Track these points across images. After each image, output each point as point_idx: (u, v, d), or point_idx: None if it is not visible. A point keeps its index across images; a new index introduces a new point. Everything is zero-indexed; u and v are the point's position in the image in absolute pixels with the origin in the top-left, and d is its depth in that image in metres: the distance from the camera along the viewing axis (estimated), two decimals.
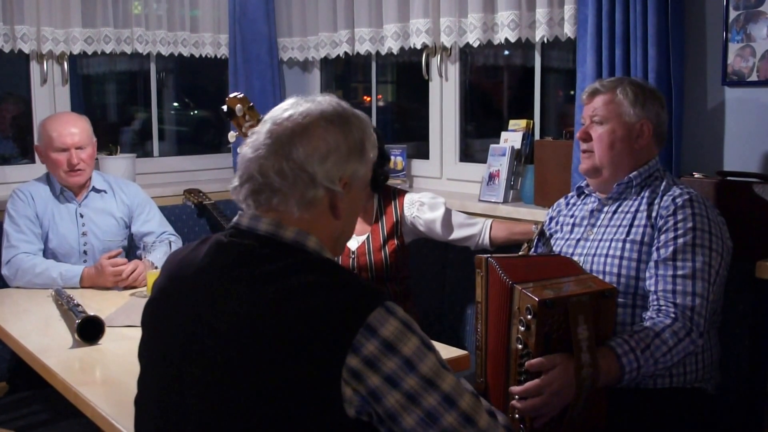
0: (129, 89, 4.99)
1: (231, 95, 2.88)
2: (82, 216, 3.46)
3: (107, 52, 4.16)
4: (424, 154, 4.23)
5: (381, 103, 4.75)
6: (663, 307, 2.20)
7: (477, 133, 4.24)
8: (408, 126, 4.88)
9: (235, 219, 1.62)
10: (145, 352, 1.67)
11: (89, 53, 4.15)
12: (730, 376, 2.49)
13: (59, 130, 3.37)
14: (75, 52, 4.10)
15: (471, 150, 4.17)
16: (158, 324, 1.63)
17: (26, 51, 3.95)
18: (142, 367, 1.67)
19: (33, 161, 4.17)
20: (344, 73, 5.02)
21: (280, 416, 1.40)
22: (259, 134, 1.59)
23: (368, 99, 4.75)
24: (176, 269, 1.65)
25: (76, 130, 3.40)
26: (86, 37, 4.10)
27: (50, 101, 4.16)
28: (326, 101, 1.62)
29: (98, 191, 3.53)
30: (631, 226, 2.38)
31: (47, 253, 3.39)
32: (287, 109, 1.60)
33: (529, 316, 1.97)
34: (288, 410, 1.40)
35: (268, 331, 1.41)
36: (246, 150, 1.60)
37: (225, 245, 1.58)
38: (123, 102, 5.01)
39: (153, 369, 1.63)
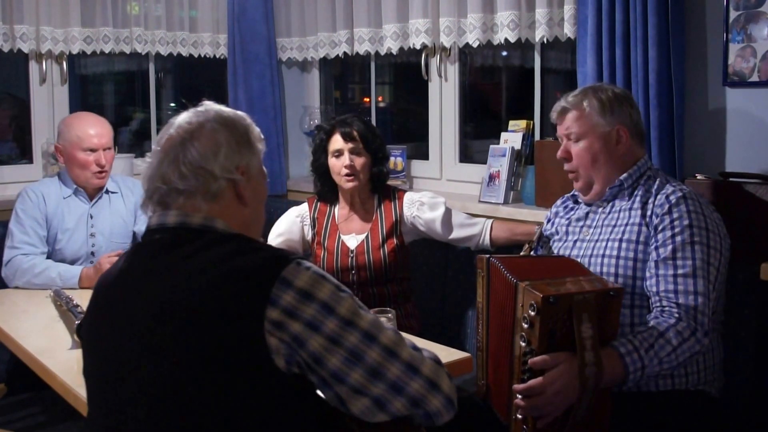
0: (127, 89, 4.98)
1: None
2: (92, 217, 3.44)
3: (106, 51, 4.16)
4: (424, 155, 4.22)
5: (381, 104, 4.73)
6: (666, 308, 2.19)
7: (476, 133, 4.23)
8: (407, 127, 4.87)
9: (146, 224, 1.69)
10: (86, 369, 1.71)
11: (88, 53, 4.14)
12: (735, 379, 2.47)
13: (87, 130, 3.36)
14: (74, 52, 4.09)
15: (470, 151, 4.16)
16: (93, 339, 1.67)
17: (25, 50, 3.94)
18: (87, 385, 1.70)
19: (31, 161, 4.17)
20: (344, 74, 5.01)
21: (216, 381, 1.46)
22: (153, 153, 1.69)
23: (367, 100, 4.75)
24: (101, 282, 1.71)
25: (104, 131, 3.40)
26: (85, 36, 4.10)
27: (49, 101, 4.16)
28: (208, 109, 1.74)
29: (110, 193, 3.52)
30: (626, 225, 2.37)
31: (55, 254, 3.37)
32: (175, 124, 1.71)
33: (532, 313, 1.97)
34: (222, 373, 1.45)
35: (192, 302, 1.48)
36: (145, 169, 1.69)
37: (140, 245, 1.69)
38: (121, 102, 5.00)
39: (96, 383, 1.65)
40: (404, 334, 1.64)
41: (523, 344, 2.02)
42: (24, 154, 4.30)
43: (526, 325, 2.01)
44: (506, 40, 3.46)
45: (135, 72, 4.72)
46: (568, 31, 3.20)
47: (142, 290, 1.56)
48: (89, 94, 5.11)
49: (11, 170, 4.13)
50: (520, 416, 2.05)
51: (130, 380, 1.52)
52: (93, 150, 3.35)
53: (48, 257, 3.36)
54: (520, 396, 2.03)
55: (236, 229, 1.66)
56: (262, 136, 1.80)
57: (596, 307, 1.97)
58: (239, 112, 1.79)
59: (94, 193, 3.47)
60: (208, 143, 1.65)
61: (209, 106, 1.76)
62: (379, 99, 4.81)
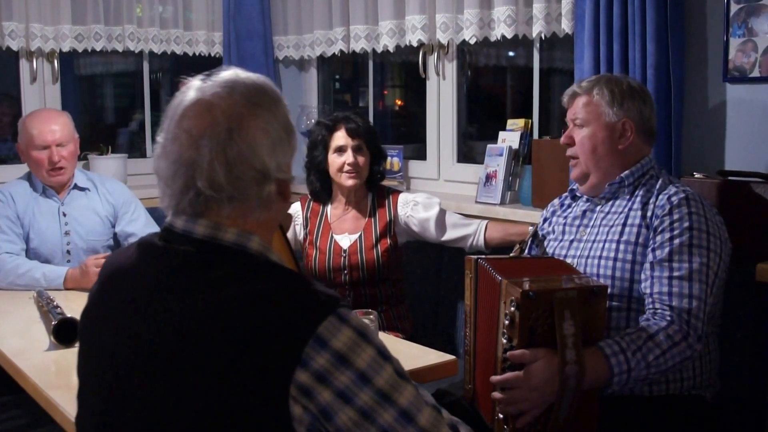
0: (127, 90, 4.94)
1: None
2: (65, 215, 3.39)
3: (98, 49, 4.10)
4: (423, 156, 4.16)
5: (391, 105, 4.68)
6: (659, 311, 2.12)
7: (479, 134, 4.17)
8: (406, 127, 4.81)
9: (168, 219, 1.47)
10: (81, 366, 1.56)
11: (79, 51, 4.09)
12: (730, 384, 2.39)
13: (39, 127, 3.30)
14: (65, 50, 4.04)
15: (474, 152, 4.09)
16: (92, 338, 1.52)
17: (14, 48, 3.90)
18: (80, 383, 1.55)
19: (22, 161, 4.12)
20: (356, 77, 4.94)
21: None
22: (176, 135, 1.40)
23: (381, 104, 4.72)
24: (110, 276, 1.53)
25: (56, 126, 3.33)
26: (76, 34, 4.05)
27: (40, 100, 4.12)
28: (236, 79, 1.45)
29: (81, 189, 3.46)
30: (624, 225, 2.30)
31: (29, 253, 3.32)
32: (200, 98, 1.41)
33: (512, 309, 1.92)
34: (233, 429, 1.29)
35: (209, 347, 1.30)
36: (167, 154, 1.41)
37: (158, 251, 1.45)
38: (120, 103, 4.96)
39: (90, 386, 1.51)
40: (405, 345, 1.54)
41: (505, 341, 1.97)
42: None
43: (507, 322, 1.96)
44: (506, 38, 3.38)
45: (134, 72, 4.67)
46: (566, 26, 3.13)
47: (154, 311, 1.37)
48: (88, 95, 5.08)
49: (3, 170, 4.08)
50: (501, 416, 2.00)
51: (131, 410, 1.37)
52: (45, 147, 3.29)
53: None
54: (498, 389, 1.98)
55: (272, 229, 1.50)
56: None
57: (579, 305, 1.92)
58: (270, 83, 1.49)
59: (61, 189, 3.42)
60: (260, 135, 1.39)
61: (235, 74, 1.45)
62: (395, 102, 4.74)
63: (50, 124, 3.32)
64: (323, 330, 1.29)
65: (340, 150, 3.13)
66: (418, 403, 1.36)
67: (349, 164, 3.11)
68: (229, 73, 1.46)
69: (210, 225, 1.41)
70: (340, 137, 3.14)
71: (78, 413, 1.57)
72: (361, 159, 3.13)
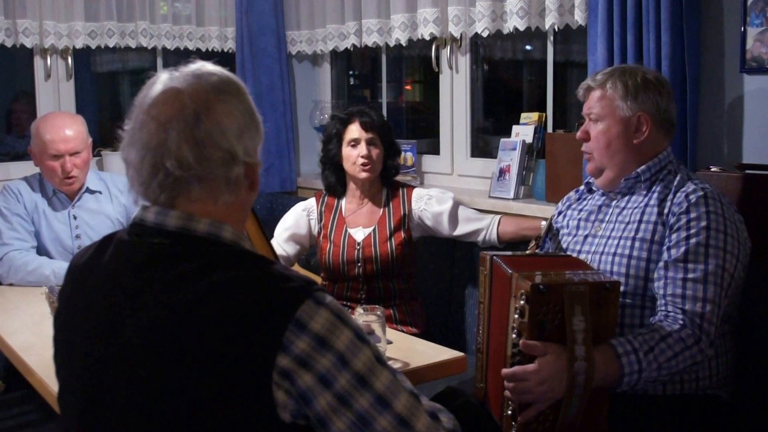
0: (142, 86, 4.93)
1: None
2: (75, 218, 3.39)
3: (111, 46, 4.09)
4: (436, 151, 4.13)
5: (390, 99, 4.65)
6: (671, 313, 2.08)
7: (495, 129, 4.13)
8: (420, 122, 4.78)
9: (137, 213, 1.46)
10: (60, 369, 1.53)
11: (92, 47, 4.08)
12: (748, 382, 2.33)
13: (52, 134, 3.27)
14: (78, 47, 4.03)
15: (489, 147, 4.05)
16: (68, 339, 1.50)
17: (28, 45, 3.89)
18: (60, 386, 1.53)
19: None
20: (375, 71, 4.90)
21: (209, 428, 1.29)
22: (143, 121, 1.40)
23: (401, 99, 4.69)
24: (80, 275, 1.52)
25: (70, 133, 3.30)
26: (89, 31, 4.04)
27: (55, 97, 4.12)
28: (203, 71, 1.47)
29: (92, 192, 3.46)
30: (640, 222, 2.25)
31: (40, 253, 3.32)
32: (168, 85, 1.43)
33: (522, 302, 1.90)
34: (217, 424, 1.28)
35: (188, 339, 1.30)
36: (134, 140, 1.41)
37: (130, 246, 1.44)
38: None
39: (69, 388, 1.49)
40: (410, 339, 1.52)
41: (514, 336, 1.95)
42: None
43: (516, 315, 1.93)
44: (517, 30, 3.34)
45: (149, 69, 4.66)
46: (579, 17, 3.09)
47: (130, 307, 1.36)
48: (105, 92, 5.09)
49: (18, 167, 4.08)
50: (509, 412, 1.98)
51: (112, 411, 1.36)
52: (59, 156, 3.28)
53: None
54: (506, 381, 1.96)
55: (241, 218, 1.50)
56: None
57: (590, 300, 1.89)
58: (235, 76, 1.52)
59: (73, 193, 3.42)
60: (227, 119, 1.41)
61: (203, 66, 1.48)
62: (407, 88, 4.72)
63: (63, 130, 3.29)
64: (301, 313, 1.29)
65: (354, 143, 3.14)
66: (395, 389, 1.36)
67: (362, 157, 3.11)
68: (196, 65, 1.48)
69: (182, 216, 1.40)
70: (354, 130, 3.15)
71: (61, 415, 1.54)
72: (375, 152, 3.14)
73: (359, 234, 3.18)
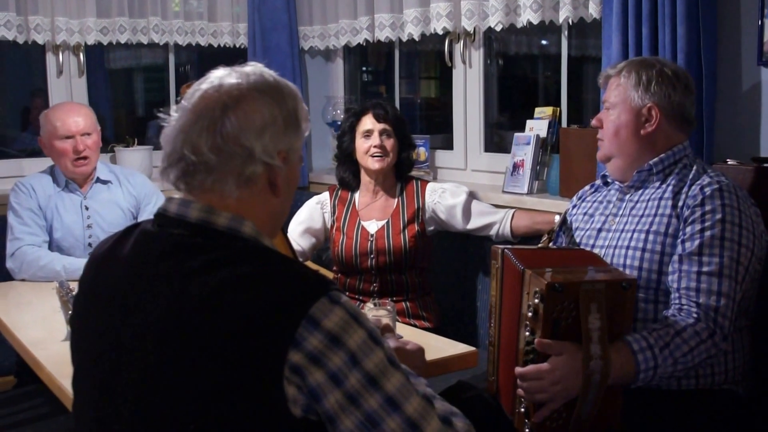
0: (156, 84, 4.95)
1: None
2: (87, 208, 3.39)
3: (122, 42, 4.09)
4: (450, 146, 4.10)
5: (404, 95, 4.63)
6: (685, 307, 2.06)
7: (510, 124, 4.11)
8: (434, 117, 4.77)
9: (162, 205, 1.49)
10: (75, 354, 1.55)
11: (104, 43, 4.08)
12: (765, 378, 2.30)
13: (63, 118, 3.31)
14: (89, 43, 4.04)
15: (504, 142, 4.03)
16: (86, 326, 1.51)
17: (40, 42, 3.91)
18: (74, 370, 1.54)
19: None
20: (389, 68, 4.89)
21: (220, 421, 1.29)
22: (184, 109, 1.46)
23: (418, 94, 4.70)
24: (101, 263, 1.53)
25: (80, 117, 3.34)
26: (101, 27, 4.04)
27: (67, 93, 4.12)
28: (255, 71, 1.51)
29: (104, 182, 3.46)
30: (654, 215, 2.23)
31: (51, 245, 3.33)
32: (214, 81, 1.48)
33: (536, 300, 1.87)
34: (228, 416, 1.28)
35: (201, 331, 1.31)
36: (171, 127, 1.47)
37: (152, 235, 1.47)
38: (150, 96, 4.97)
39: (85, 373, 1.50)
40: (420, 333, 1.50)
41: (527, 334, 1.93)
42: None
43: (530, 314, 1.91)
44: (531, 24, 3.31)
45: (162, 65, 4.66)
46: (593, 10, 3.07)
47: (147, 296, 1.38)
48: (118, 88, 5.09)
49: (30, 163, 4.09)
50: (522, 410, 1.96)
51: (125, 397, 1.37)
52: (70, 137, 3.29)
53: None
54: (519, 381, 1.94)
55: (265, 223, 1.49)
56: (309, 115, 1.58)
57: (606, 298, 1.86)
58: (290, 84, 1.55)
59: (84, 182, 3.42)
60: (253, 116, 1.43)
61: (258, 68, 1.52)
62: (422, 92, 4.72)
63: (73, 115, 3.34)
64: (315, 311, 1.29)
65: (368, 134, 3.16)
66: (406, 392, 1.35)
67: (375, 146, 3.12)
68: (251, 67, 1.52)
69: (203, 209, 1.42)
70: (367, 122, 3.17)
71: (75, 400, 1.56)
72: (388, 142, 3.15)
73: (372, 226, 3.18)
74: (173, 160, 1.45)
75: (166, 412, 1.32)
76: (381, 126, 3.14)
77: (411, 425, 1.33)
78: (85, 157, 3.32)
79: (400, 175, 3.26)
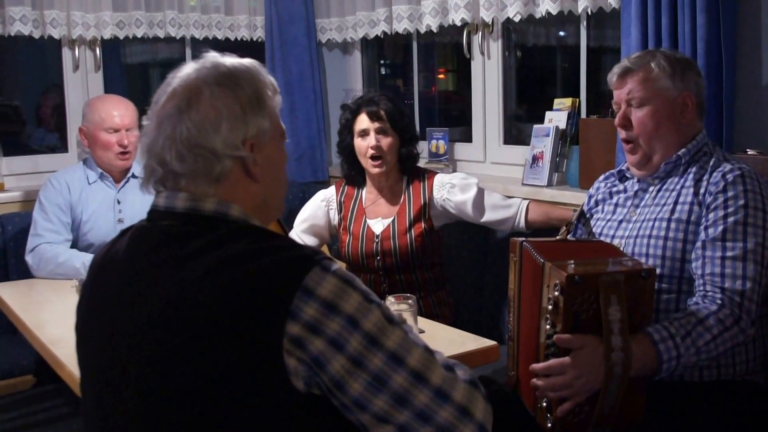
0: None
1: None
2: (119, 202, 3.40)
3: (138, 36, 4.09)
4: (469, 138, 4.08)
5: (422, 88, 4.60)
6: (709, 293, 2.03)
7: (529, 116, 4.08)
8: (453, 109, 4.74)
9: (152, 202, 1.52)
10: (81, 360, 1.56)
11: (120, 38, 4.08)
12: None
13: (109, 110, 3.34)
14: (106, 37, 4.03)
15: (523, 135, 4.00)
16: (89, 329, 1.52)
17: (56, 36, 3.89)
18: (82, 375, 1.55)
19: (66, 151, 4.13)
20: (407, 61, 4.87)
21: (224, 401, 1.30)
22: (150, 119, 1.49)
23: (434, 88, 4.66)
24: (100, 266, 1.55)
25: (127, 111, 3.37)
26: (117, 21, 4.03)
27: (83, 88, 4.12)
28: (206, 63, 1.50)
29: (137, 178, 3.45)
30: (676, 203, 2.20)
31: (81, 240, 3.34)
32: (169, 85, 1.48)
33: (556, 293, 1.86)
34: (232, 392, 1.30)
35: (199, 313, 1.32)
36: (143, 139, 1.50)
37: (144, 231, 1.50)
38: None
39: (90, 377, 1.51)
40: (438, 325, 1.48)
41: (548, 326, 1.91)
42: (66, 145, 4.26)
43: (550, 307, 1.89)
44: (550, 14, 3.28)
45: (179, 59, 4.65)
46: (612, 0, 3.02)
47: (145, 286, 1.40)
48: (135, 82, 5.09)
49: (47, 159, 4.10)
50: (544, 404, 1.94)
51: (128, 390, 1.38)
52: (116, 130, 3.32)
53: (73, 245, 3.32)
54: (539, 376, 1.93)
55: (252, 209, 1.49)
56: (277, 86, 1.54)
57: (626, 289, 1.84)
58: (245, 61, 1.53)
59: (119, 177, 3.43)
60: (206, 114, 1.42)
61: (209, 59, 1.51)
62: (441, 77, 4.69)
63: (120, 108, 3.37)
64: (309, 281, 1.31)
65: (363, 133, 3.08)
66: (407, 345, 1.37)
67: (372, 148, 3.05)
68: (203, 59, 1.52)
69: (189, 197, 1.44)
70: (362, 121, 3.09)
71: (83, 404, 1.56)
72: (385, 142, 3.05)
73: (378, 226, 3.12)
74: (147, 172, 1.49)
75: (170, 399, 1.33)
76: (376, 125, 3.05)
77: (416, 377, 1.36)
78: (128, 152, 3.35)
79: (405, 169, 3.17)
